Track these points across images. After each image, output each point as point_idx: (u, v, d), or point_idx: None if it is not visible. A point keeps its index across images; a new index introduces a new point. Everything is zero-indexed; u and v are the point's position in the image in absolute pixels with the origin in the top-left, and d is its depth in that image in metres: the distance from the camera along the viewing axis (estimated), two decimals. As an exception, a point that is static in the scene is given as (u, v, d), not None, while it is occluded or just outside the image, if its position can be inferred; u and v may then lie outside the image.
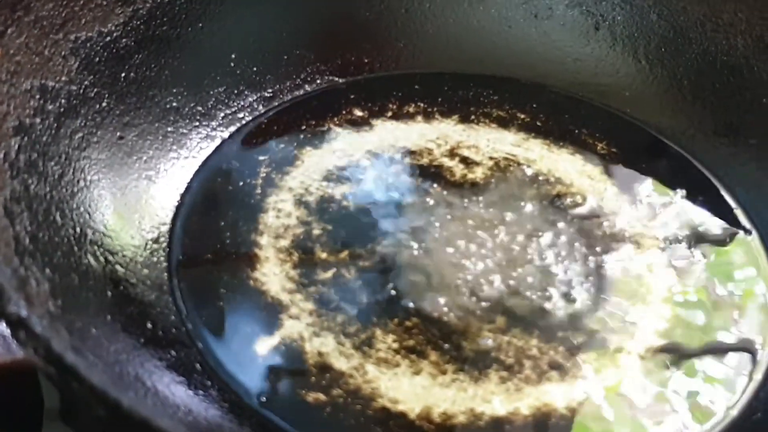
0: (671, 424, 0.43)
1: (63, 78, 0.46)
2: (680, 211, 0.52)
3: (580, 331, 0.46)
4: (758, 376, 0.45)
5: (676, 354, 0.46)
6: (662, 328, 0.46)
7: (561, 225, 0.51)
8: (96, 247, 0.44)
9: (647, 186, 0.53)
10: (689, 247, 0.50)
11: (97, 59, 0.48)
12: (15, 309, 0.32)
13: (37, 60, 0.44)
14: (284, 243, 0.48)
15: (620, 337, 0.46)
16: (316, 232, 0.49)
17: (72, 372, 0.31)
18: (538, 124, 0.56)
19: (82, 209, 0.44)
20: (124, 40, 0.49)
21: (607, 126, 0.57)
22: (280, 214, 0.50)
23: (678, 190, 0.53)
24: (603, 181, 0.53)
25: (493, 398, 0.43)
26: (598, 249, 0.50)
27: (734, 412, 0.43)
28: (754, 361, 0.45)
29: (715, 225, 0.51)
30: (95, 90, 0.48)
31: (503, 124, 0.56)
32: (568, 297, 0.47)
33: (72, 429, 0.33)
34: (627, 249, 0.50)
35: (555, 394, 0.44)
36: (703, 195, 0.53)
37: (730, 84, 0.55)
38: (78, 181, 0.45)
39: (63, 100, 0.45)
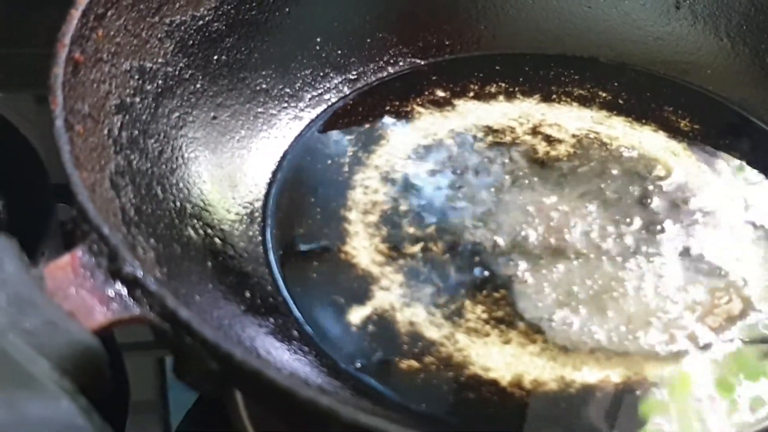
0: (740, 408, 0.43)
1: (159, 60, 0.47)
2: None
3: (671, 304, 0.46)
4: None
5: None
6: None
7: (648, 200, 0.51)
8: (195, 221, 0.45)
9: (732, 163, 0.53)
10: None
11: (191, 42, 0.50)
12: (131, 269, 0.33)
13: (135, 42, 0.46)
14: (372, 218, 0.49)
15: (712, 316, 0.46)
16: (403, 207, 0.50)
17: (186, 326, 0.32)
18: (620, 102, 0.56)
19: (181, 185, 0.46)
20: (215, 24, 0.51)
21: (690, 103, 0.56)
22: (368, 190, 0.51)
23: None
24: (688, 157, 0.53)
25: (583, 367, 0.44)
26: (686, 225, 0.50)
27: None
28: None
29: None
30: (190, 72, 0.49)
31: (585, 102, 0.56)
32: (657, 273, 0.47)
33: (185, 384, 0.34)
34: (715, 223, 0.50)
35: (646, 364, 0.44)
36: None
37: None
38: (176, 158, 0.47)
39: (160, 81, 0.47)
